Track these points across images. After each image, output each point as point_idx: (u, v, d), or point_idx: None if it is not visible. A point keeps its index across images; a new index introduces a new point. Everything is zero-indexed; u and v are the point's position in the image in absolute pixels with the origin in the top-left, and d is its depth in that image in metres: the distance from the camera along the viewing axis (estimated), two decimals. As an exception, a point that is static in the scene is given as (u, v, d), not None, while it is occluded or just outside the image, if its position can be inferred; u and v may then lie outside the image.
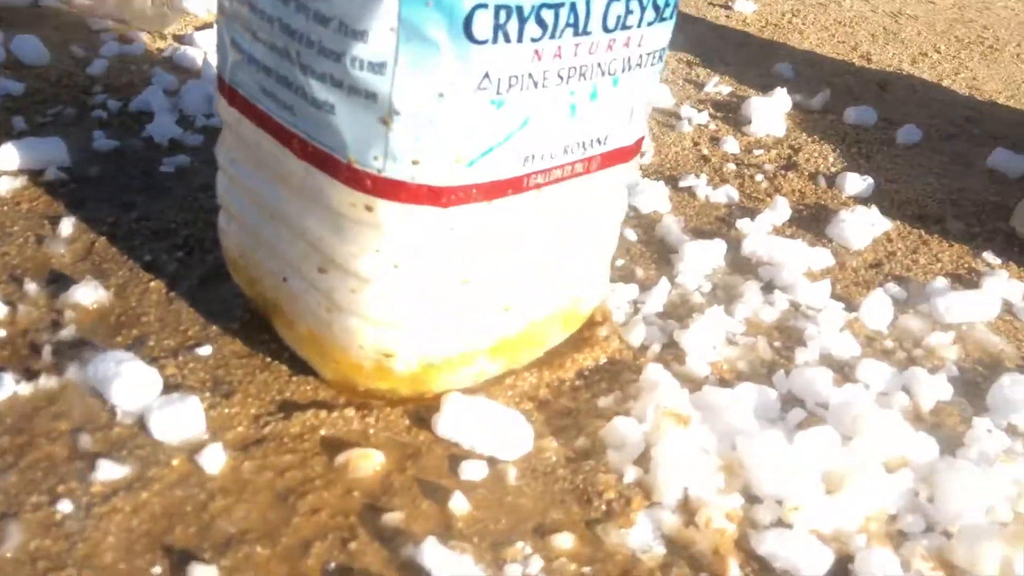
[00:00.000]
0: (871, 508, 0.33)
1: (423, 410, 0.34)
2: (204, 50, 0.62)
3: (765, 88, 0.70)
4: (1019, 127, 0.69)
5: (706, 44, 0.79)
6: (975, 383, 0.41)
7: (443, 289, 0.32)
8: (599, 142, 0.33)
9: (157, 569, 0.28)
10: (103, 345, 0.36)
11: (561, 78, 0.30)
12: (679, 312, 0.43)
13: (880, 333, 0.44)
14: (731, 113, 0.66)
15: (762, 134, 0.63)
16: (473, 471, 0.32)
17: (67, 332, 0.36)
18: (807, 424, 0.36)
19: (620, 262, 0.46)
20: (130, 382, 0.33)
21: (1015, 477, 0.35)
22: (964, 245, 0.53)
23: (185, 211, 0.45)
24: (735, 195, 0.54)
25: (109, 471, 0.30)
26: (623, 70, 0.32)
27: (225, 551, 0.28)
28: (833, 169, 0.60)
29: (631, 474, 0.33)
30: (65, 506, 0.29)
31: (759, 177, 0.57)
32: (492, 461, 0.33)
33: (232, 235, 0.37)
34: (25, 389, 0.33)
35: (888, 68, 0.81)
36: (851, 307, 0.45)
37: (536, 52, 0.29)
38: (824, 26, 0.90)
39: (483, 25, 0.27)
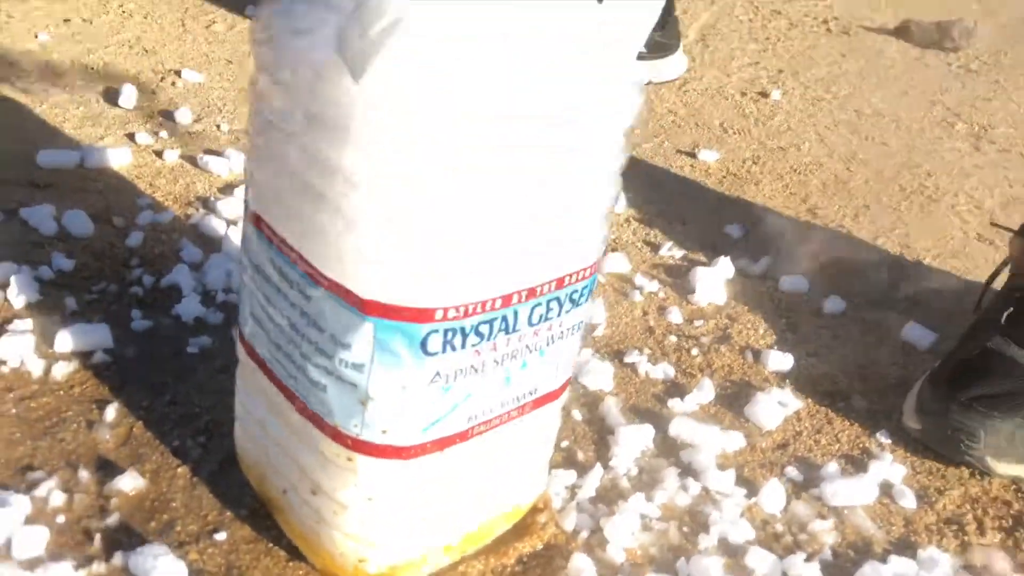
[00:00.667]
0: None
1: (390, 592, 0.43)
2: (226, 220, 0.72)
3: (715, 249, 0.80)
4: (936, 294, 0.79)
5: (669, 199, 0.89)
6: (844, 568, 0.50)
7: (407, 514, 0.41)
8: (531, 394, 0.43)
9: None
10: (141, 531, 0.45)
11: (497, 363, 0.40)
12: (609, 497, 0.52)
13: (774, 517, 0.53)
14: (679, 279, 0.76)
15: (704, 303, 0.73)
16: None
17: (112, 519, 0.46)
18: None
19: (565, 443, 0.56)
20: (162, 573, 0.42)
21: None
22: (863, 425, 0.62)
23: (207, 394, 0.55)
24: (671, 371, 0.64)
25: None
26: (547, 344, 0.42)
27: None
28: (761, 343, 0.69)
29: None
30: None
31: (695, 351, 0.67)
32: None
33: (246, 444, 0.46)
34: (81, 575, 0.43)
35: (831, 224, 0.91)
36: (752, 492, 0.54)
37: (476, 352, 0.38)
38: (780, 175, 1.00)
39: (435, 343, 0.37)
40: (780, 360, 0.66)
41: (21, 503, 0.45)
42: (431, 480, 0.41)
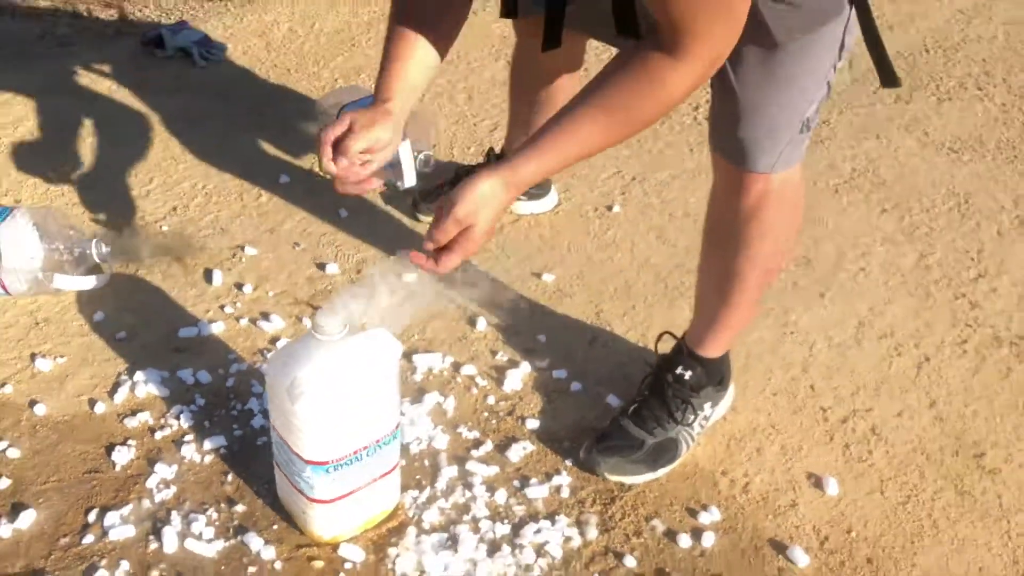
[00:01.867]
0: None
1: None
2: (271, 365, 1.45)
3: (527, 352, 1.49)
4: (643, 370, 1.46)
5: (512, 318, 1.58)
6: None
7: (334, 520, 1.15)
8: (379, 471, 1.15)
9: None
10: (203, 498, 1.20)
11: (359, 461, 1.12)
12: (430, 501, 1.24)
13: (500, 505, 1.24)
14: (500, 375, 1.45)
15: (508, 390, 1.43)
16: None
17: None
18: None
19: (415, 477, 1.28)
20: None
21: None
22: (555, 453, 1.32)
23: (267, 466, 1.29)
24: (477, 434, 1.35)
25: None
26: (379, 453, 1.14)
27: (280, 590, 1.12)
28: (528, 413, 1.39)
29: None
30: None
31: (493, 421, 1.37)
32: None
33: (281, 493, 1.20)
34: None
35: (607, 325, 1.58)
36: (493, 493, 1.25)
37: (348, 469, 1.11)
38: (590, 285, 1.67)
39: (330, 470, 1.10)
40: (533, 423, 1.36)
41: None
42: (343, 508, 1.13)
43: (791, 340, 1.55)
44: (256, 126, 2.08)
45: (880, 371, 1.49)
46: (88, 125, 2.05)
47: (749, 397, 1.42)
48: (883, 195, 1.94)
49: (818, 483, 1.29)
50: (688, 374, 1.29)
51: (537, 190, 1.82)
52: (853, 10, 1.01)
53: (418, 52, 1.07)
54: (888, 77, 1.07)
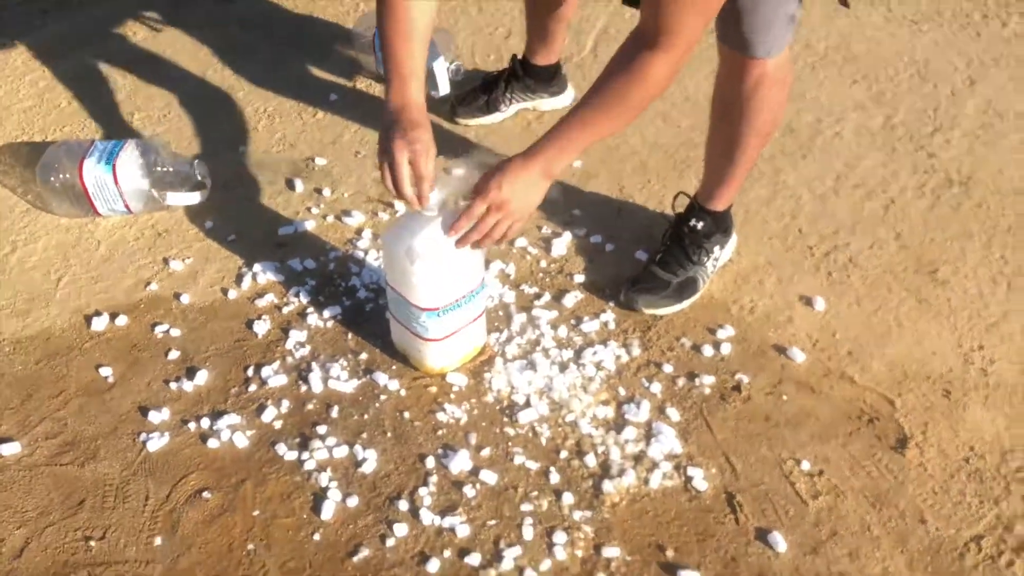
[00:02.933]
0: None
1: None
2: (363, 250, 1.78)
3: (566, 224, 1.82)
4: (655, 230, 1.79)
5: (547, 199, 1.90)
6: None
7: (442, 355, 1.49)
8: (477, 316, 1.50)
9: None
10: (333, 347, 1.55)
11: (461, 306, 1.46)
12: (509, 341, 1.59)
13: (563, 338, 1.59)
14: (547, 245, 1.78)
15: (556, 255, 1.76)
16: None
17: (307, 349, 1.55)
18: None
19: (497, 323, 1.62)
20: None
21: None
22: (600, 298, 1.66)
23: (376, 323, 1.63)
24: (537, 289, 1.69)
25: (379, 398, 1.50)
26: (477, 300, 1.48)
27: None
28: (574, 269, 1.73)
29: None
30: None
31: (547, 279, 1.71)
32: (459, 387, 1.51)
33: (395, 336, 1.54)
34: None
35: (630, 197, 1.90)
36: (556, 330, 1.60)
37: (453, 313, 1.45)
38: (609, 164, 1.98)
39: (439, 314, 1.44)
40: (580, 278, 1.70)
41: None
42: (450, 344, 1.47)
43: (782, 195, 1.88)
44: (298, 51, 2.35)
45: (855, 213, 1.82)
46: (148, 61, 2.31)
47: (751, 243, 1.76)
48: (854, 68, 2.24)
49: (808, 302, 1.64)
50: (700, 224, 1.63)
51: (557, 87, 2.11)
52: None
53: (417, 34, 1.30)
54: None
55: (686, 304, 1.62)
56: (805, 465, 1.38)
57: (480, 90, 2.09)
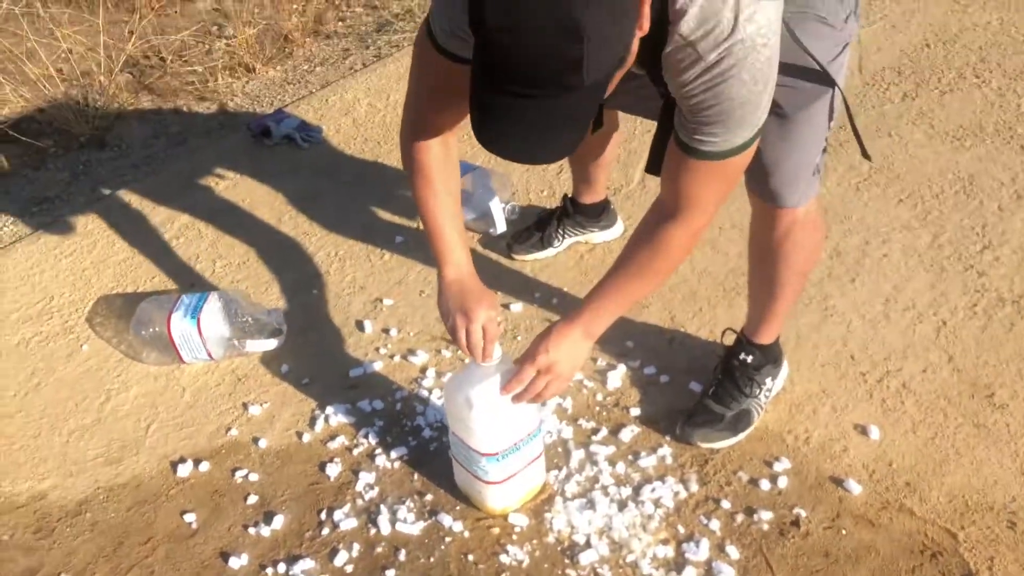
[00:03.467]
0: None
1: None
2: (427, 389, 1.87)
3: (621, 356, 1.88)
4: (709, 362, 1.84)
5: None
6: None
7: (503, 498, 1.56)
8: (532, 457, 1.56)
9: None
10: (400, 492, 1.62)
11: (519, 449, 1.53)
12: (568, 478, 1.65)
13: (620, 474, 1.64)
14: (603, 377, 1.85)
15: (611, 388, 1.82)
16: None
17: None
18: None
19: (555, 460, 1.68)
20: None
21: None
22: (656, 429, 1.71)
23: (444, 464, 1.70)
24: (594, 424, 1.75)
25: None
26: (532, 442, 1.54)
27: (471, 552, 1.53)
28: (630, 402, 1.79)
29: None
30: None
31: (604, 413, 1.77)
32: (521, 526, 1.56)
33: (458, 479, 1.61)
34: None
35: (676, 327, 1.97)
36: (614, 466, 1.65)
37: (512, 456, 1.52)
38: (660, 296, 2.06)
39: (500, 459, 1.51)
40: (636, 411, 1.75)
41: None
42: (510, 486, 1.54)
43: (831, 321, 1.92)
44: (364, 195, 2.52)
45: (906, 337, 1.85)
46: (228, 211, 2.51)
47: (803, 370, 1.80)
48: (898, 187, 2.30)
49: (863, 431, 1.66)
50: (750, 358, 1.68)
51: (607, 222, 2.21)
52: (837, 89, 1.39)
53: (452, 201, 1.43)
54: (862, 152, 1.45)
55: (742, 436, 1.66)
56: (868, 604, 1.38)
57: (534, 227, 2.21)
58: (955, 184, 2.28)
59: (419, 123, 1.36)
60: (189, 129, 3.04)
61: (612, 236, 2.24)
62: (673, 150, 1.26)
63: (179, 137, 3.02)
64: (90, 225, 2.51)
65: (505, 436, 1.49)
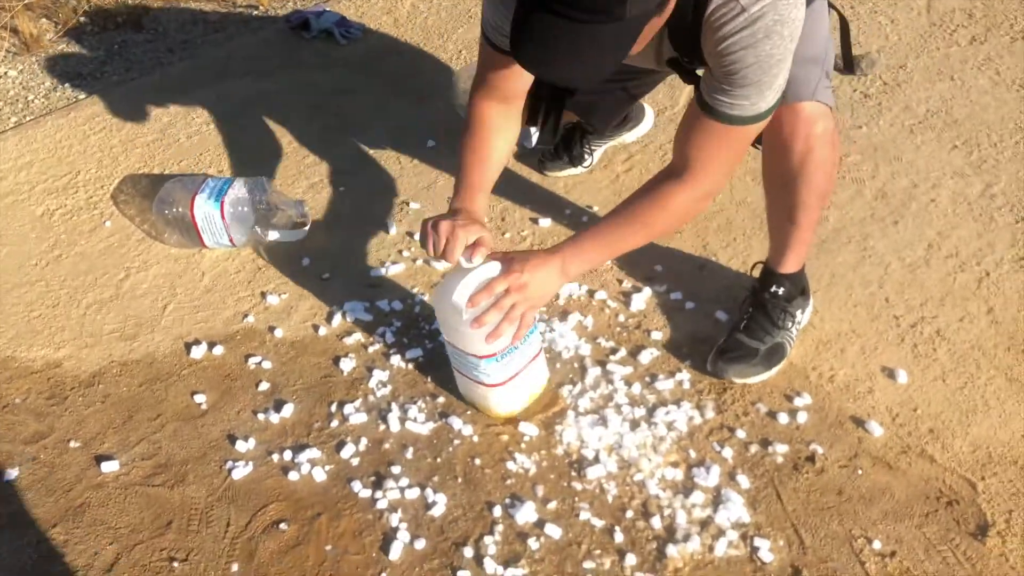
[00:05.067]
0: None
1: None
2: (446, 295, 1.84)
3: (647, 279, 1.84)
4: (744, 289, 1.79)
5: (631, 253, 1.92)
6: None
7: (506, 401, 1.53)
8: (534, 355, 1.52)
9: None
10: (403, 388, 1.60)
11: (518, 349, 1.49)
12: (580, 392, 1.61)
13: (636, 395, 1.60)
14: (627, 299, 1.80)
15: (635, 310, 1.78)
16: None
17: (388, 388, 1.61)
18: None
19: (570, 376, 1.65)
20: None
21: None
22: (676, 358, 1.66)
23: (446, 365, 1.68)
24: (613, 344, 1.71)
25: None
26: (532, 341, 1.51)
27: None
28: (652, 327, 1.74)
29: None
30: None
31: (624, 334, 1.73)
32: (530, 437, 1.54)
33: (462, 390, 1.58)
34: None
35: (713, 255, 1.90)
36: (630, 386, 1.61)
37: (511, 355, 1.48)
38: (696, 221, 1.99)
39: (499, 359, 1.47)
40: (657, 335, 1.71)
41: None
42: (514, 387, 1.50)
43: (869, 261, 1.85)
44: (399, 95, 2.45)
45: (945, 285, 1.78)
46: (261, 101, 2.46)
47: (834, 309, 1.74)
48: (954, 132, 2.19)
49: (891, 374, 1.61)
50: (781, 290, 1.62)
51: (633, 121, 2.13)
52: None
53: (493, 163, 1.48)
54: (848, 65, 1.48)
55: (775, 371, 1.61)
56: (876, 544, 1.35)
57: (562, 147, 2.13)
58: (1016, 134, 2.17)
59: (483, 85, 1.46)
60: (227, 17, 2.97)
61: (645, 130, 2.17)
62: (693, 111, 1.29)
63: (217, 25, 2.95)
64: (121, 104, 2.47)
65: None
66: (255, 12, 2.96)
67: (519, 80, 1.42)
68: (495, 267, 1.40)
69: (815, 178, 1.47)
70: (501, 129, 1.47)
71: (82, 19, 2.97)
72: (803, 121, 1.41)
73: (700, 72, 1.32)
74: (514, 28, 1.06)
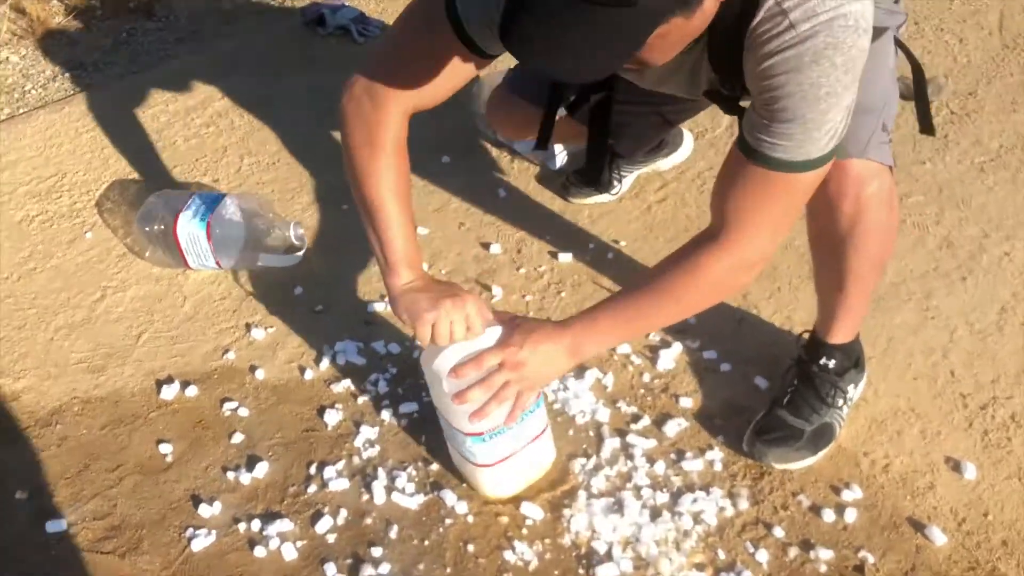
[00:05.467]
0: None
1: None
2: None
3: (678, 333, 1.62)
4: (788, 352, 1.56)
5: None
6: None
7: (499, 483, 1.33)
8: (528, 436, 1.32)
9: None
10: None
11: (515, 438, 1.29)
12: (598, 468, 1.41)
13: (659, 475, 1.39)
14: (654, 355, 1.59)
15: (662, 369, 1.56)
16: (528, 522, 1.34)
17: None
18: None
19: (584, 446, 1.44)
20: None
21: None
22: (709, 432, 1.45)
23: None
24: (635, 409, 1.50)
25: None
26: (522, 421, 1.30)
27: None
28: (682, 391, 1.53)
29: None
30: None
31: (649, 398, 1.52)
32: (534, 519, 1.34)
33: (453, 460, 1.38)
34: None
35: (748, 308, 1.68)
36: (652, 464, 1.40)
37: (502, 436, 1.28)
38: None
39: (487, 440, 1.27)
40: (687, 401, 1.50)
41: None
42: (504, 470, 1.30)
43: (932, 324, 1.62)
44: (417, 106, 2.24)
45: (1022, 359, 1.55)
46: (266, 103, 2.26)
47: (891, 381, 1.52)
48: (1033, 174, 1.95)
49: (956, 467, 1.38)
50: (832, 362, 1.40)
51: (670, 148, 1.92)
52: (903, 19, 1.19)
53: (408, 192, 1.25)
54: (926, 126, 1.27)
55: (821, 455, 1.39)
56: None
57: (586, 173, 1.91)
58: (1104, 179, 1.92)
59: (391, 81, 1.17)
60: (241, 8, 2.78)
61: (683, 156, 1.95)
62: (733, 156, 1.09)
63: (230, 15, 2.76)
64: (120, 101, 2.30)
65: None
66: (273, 2, 2.76)
67: (452, 84, 1.19)
68: (493, 334, 1.19)
69: (867, 245, 1.26)
70: (403, 146, 1.24)
71: (94, 1, 2.80)
72: (852, 180, 1.20)
73: (745, 104, 1.11)
74: (508, 10, 0.87)
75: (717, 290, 1.18)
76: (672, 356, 1.58)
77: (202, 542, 1.33)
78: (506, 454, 1.29)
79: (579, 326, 1.20)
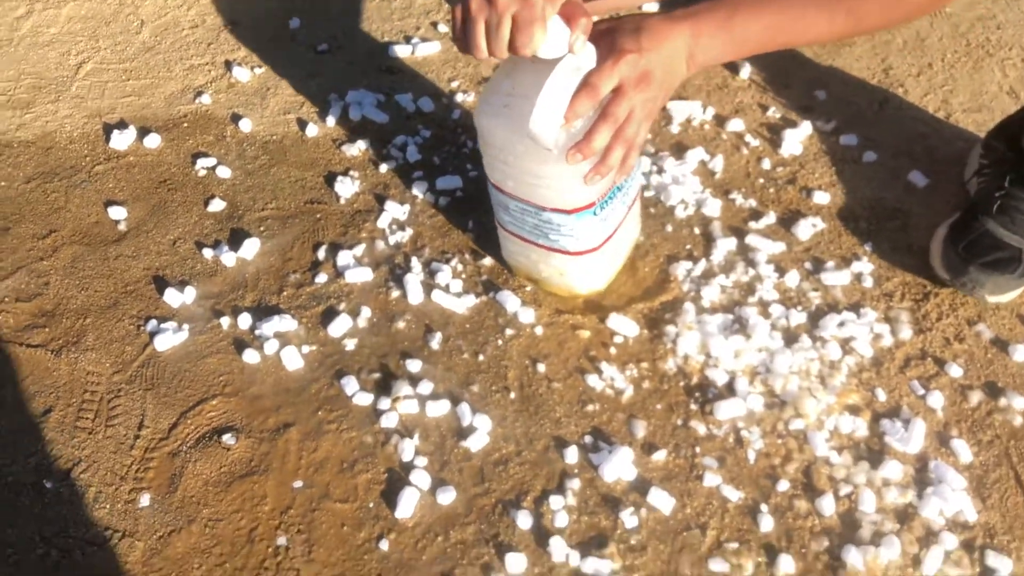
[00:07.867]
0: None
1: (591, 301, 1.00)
2: (502, 97, 1.22)
3: (804, 111, 1.23)
4: (947, 147, 1.19)
5: (779, 67, 1.30)
6: (819, 314, 1.02)
7: (590, 274, 0.97)
8: (628, 206, 0.95)
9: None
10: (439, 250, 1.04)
11: (612, 202, 0.91)
12: (705, 275, 1.05)
13: (790, 289, 1.04)
14: (775, 136, 1.21)
15: (786, 155, 1.18)
16: (616, 339, 0.99)
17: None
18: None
19: (687, 246, 1.08)
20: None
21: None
22: (860, 239, 1.09)
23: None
24: (754, 203, 1.13)
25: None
26: (625, 194, 0.93)
27: (540, 358, 0.97)
28: (813, 184, 1.16)
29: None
30: (492, 340, 0.98)
31: (771, 189, 1.15)
32: (623, 335, 0.99)
33: (511, 259, 1.01)
34: (474, 300, 1.02)
35: (894, 84, 1.29)
36: (781, 275, 1.05)
37: (613, 203, 0.90)
38: (869, 37, 1.36)
39: (597, 212, 0.89)
40: (822, 196, 1.13)
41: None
42: (603, 253, 0.95)
43: None
44: None
45: None
46: None
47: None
48: None
49: None
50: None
51: None
52: None
53: None
54: None
55: (1039, 287, 1.04)
56: None
57: None
58: None
59: None
60: None
61: None
62: None
63: None
64: None
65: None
66: None
67: None
68: (589, 54, 0.78)
69: None
70: None
71: None
72: None
73: None
74: None
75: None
76: (799, 138, 1.19)
77: (169, 339, 0.96)
78: (613, 228, 0.94)
79: (703, 18, 0.82)
